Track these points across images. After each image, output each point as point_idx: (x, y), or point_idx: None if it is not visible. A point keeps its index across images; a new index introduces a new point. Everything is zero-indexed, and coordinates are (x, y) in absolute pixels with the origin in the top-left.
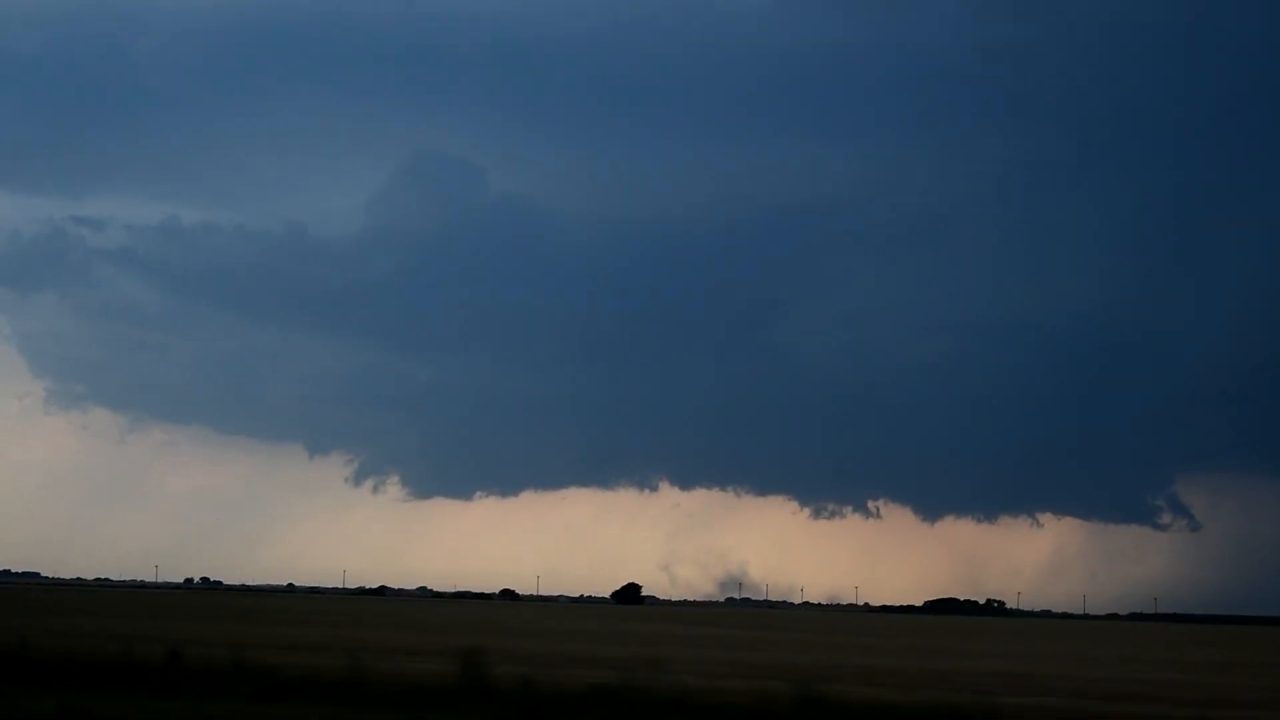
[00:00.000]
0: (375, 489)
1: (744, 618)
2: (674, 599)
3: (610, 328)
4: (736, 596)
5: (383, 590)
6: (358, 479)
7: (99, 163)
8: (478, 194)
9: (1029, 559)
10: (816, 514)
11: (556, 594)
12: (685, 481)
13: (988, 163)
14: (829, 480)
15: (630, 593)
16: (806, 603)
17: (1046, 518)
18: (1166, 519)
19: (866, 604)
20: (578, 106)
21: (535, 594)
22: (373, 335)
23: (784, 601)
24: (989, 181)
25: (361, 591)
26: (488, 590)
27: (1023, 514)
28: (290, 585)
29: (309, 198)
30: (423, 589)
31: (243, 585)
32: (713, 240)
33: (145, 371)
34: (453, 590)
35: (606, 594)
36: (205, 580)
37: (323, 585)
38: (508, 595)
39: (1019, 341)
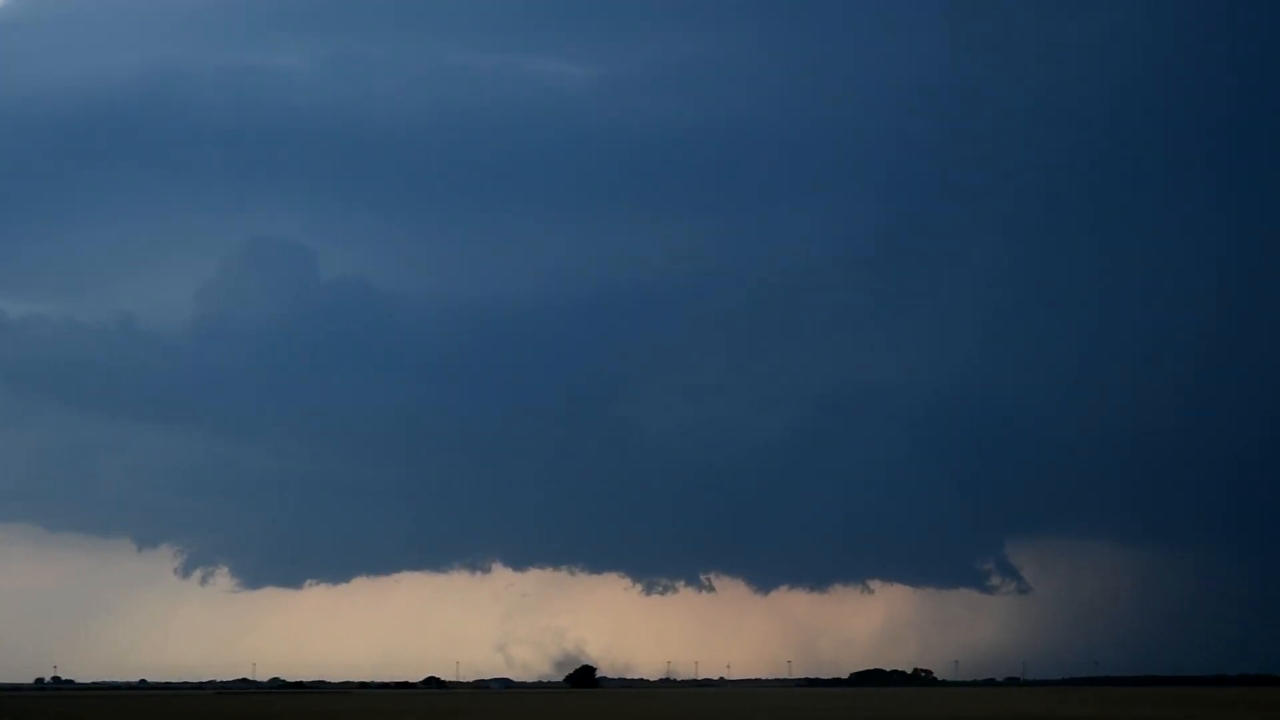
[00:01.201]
0: (204, 580)
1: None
2: (627, 678)
3: (444, 409)
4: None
5: (291, 683)
6: (186, 570)
7: None
8: (310, 278)
9: (862, 627)
10: (649, 589)
11: (483, 678)
12: (518, 562)
13: (823, 236)
14: (661, 555)
15: (585, 675)
16: (724, 678)
17: (876, 584)
18: (996, 581)
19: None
20: (411, 187)
21: (457, 679)
22: (203, 425)
23: (717, 679)
24: (823, 255)
25: (275, 687)
26: (411, 679)
27: (854, 582)
28: (143, 680)
29: (138, 287)
30: (275, 680)
31: (94, 682)
32: (550, 319)
33: None
34: (305, 680)
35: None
36: (56, 680)
37: (172, 680)
38: (433, 683)
39: (846, 413)
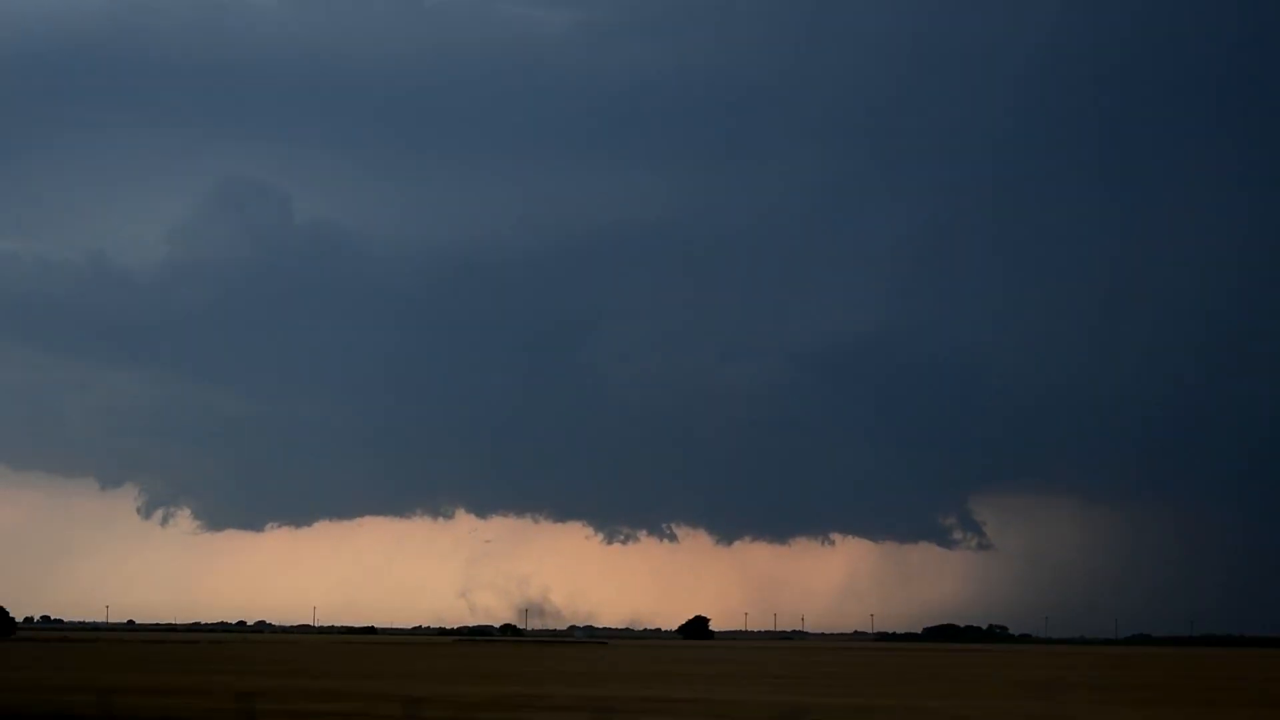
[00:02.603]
0: (165, 521)
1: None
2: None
3: (411, 354)
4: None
5: (370, 629)
6: (147, 511)
7: None
8: (283, 220)
9: (822, 580)
10: (610, 538)
11: (563, 626)
12: (482, 509)
13: (792, 187)
14: (624, 505)
15: (698, 626)
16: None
17: (837, 538)
18: (957, 536)
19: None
20: (384, 130)
21: (524, 626)
22: (173, 366)
23: (797, 631)
24: (793, 206)
25: (332, 630)
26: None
27: (816, 535)
28: (131, 622)
29: (111, 226)
30: (261, 623)
31: (80, 622)
32: (520, 264)
33: None
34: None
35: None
36: (46, 619)
37: (158, 622)
38: (509, 630)
39: (812, 365)
